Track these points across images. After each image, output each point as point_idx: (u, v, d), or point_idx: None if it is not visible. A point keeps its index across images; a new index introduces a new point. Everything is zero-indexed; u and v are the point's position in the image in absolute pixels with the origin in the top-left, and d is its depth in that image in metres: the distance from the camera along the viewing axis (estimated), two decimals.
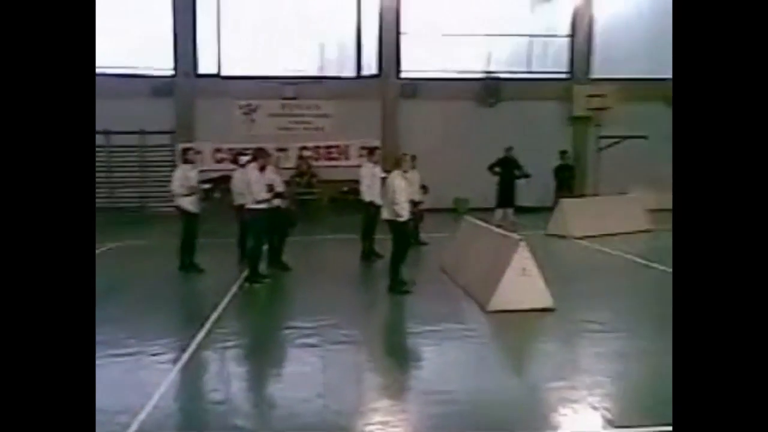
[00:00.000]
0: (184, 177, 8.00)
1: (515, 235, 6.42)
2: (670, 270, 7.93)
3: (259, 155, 7.43)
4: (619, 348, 5.22)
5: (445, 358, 5.14)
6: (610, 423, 3.72)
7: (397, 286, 6.96)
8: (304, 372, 4.73)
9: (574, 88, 16.15)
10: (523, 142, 13.45)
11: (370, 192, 8.66)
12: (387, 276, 7.10)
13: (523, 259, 6.03)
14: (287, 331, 5.75)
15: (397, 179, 6.88)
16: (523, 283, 6.02)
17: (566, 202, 11.62)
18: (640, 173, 14.70)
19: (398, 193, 6.76)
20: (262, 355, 5.23)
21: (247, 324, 6.33)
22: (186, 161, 8.42)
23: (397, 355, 5.36)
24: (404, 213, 6.81)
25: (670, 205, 8.78)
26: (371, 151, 9.48)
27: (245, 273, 7.49)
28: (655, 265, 8.42)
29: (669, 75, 15.46)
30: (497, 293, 6.01)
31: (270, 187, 7.22)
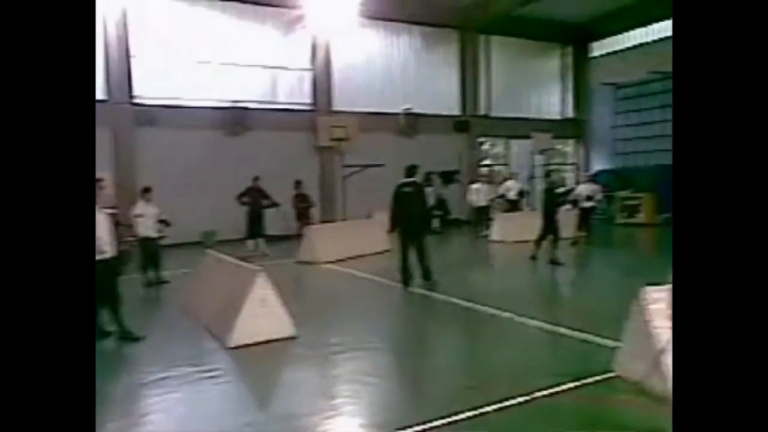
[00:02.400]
0: None
1: (254, 266, 6.30)
2: (400, 284, 8.79)
3: None
4: (359, 367, 5.43)
5: (186, 405, 4.70)
6: None
7: (127, 333, 6.26)
8: None
9: (317, 119, 16.94)
10: (272, 172, 13.59)
11: (144, 226, 9.12)
12: (114, 325, 6.35)
13: (261, 289, 5.93)
14: None
15: (96, 214, 6.31)
16: (263, 314, 5.91)
17: (313, 229, 12.00)
18: (381, 198, 16.04)
19: (100, 229, 6.19)
20: None
21: None
22: None
23: (127, 411, 4.73)
24: (108, 248, 6.26)
25: None
26: (146, 189, 9.48)
27: None
28: (393, 282, 9.13)
29: (397, 110, 17.43)
30: (237, 327, 5.78)
31: None
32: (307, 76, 17.51)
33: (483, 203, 14.99)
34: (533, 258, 10.76)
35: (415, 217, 8.78)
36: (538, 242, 10.87)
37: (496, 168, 21.46)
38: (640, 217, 17.93)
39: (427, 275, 8.83)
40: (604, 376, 4.65)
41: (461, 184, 18.79)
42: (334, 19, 16.63)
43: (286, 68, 17.13)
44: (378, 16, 17.98)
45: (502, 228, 14.21)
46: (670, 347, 3.82)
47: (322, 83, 17.53)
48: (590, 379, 4.62)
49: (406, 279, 8.76)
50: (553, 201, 10.92)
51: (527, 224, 13.84)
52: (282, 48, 17.05)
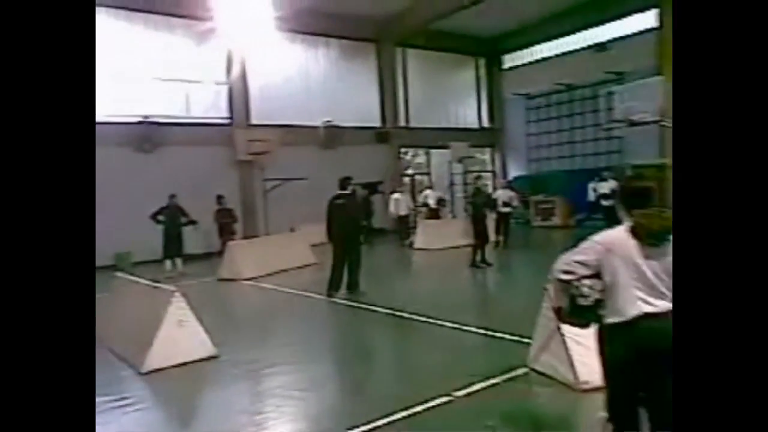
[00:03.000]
0: None
1: (169, 287, 6.05)
2: (325, 297, 8.74)
3: None
4: (283, 381, 5.33)
5: None
6: None
7: None
8: None
9: (235, 134, 16.58)
10: (188, 189, 13.16)
11: None
12: None
13: (178, 310, 5.70)
14: None
15: None
16: (181, 336, 5.68)
17: (233, 246, 11.70)
18: (304, 211, 15.90)
19: None
20: None
21: None
22: None
23: None
24: None
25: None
26: None
27: None
28: (317, 295, 9.04)
29: (318, 123, 17.37)
30: (152, 351, 5.51)
31: None
32: (223, 90, 17.13)
33: (404, 212, 15.23)
34: (482, 261, 10.97)
35: (349, 228, 8.90)
36: (480, 247, 11.11)
37: (418, 177, 21.86)
38: (555, 220, 18.84)
39: (352, 286, 8.85)
40: (521, 371, 4.83)
41: (384, 194, 18.99)
42: (250, 32, 16.41)
43: (200, 82, 16.66)
44: (295, 29, 17.90)
45: (424, 236, 14.47)
46: (559, 332, 4.26)
47: (238, 97, 17.20)
48: (508, 375, 4.79)
49: (332, 290, 8.73)
50: (481, 205, 11.27)
51: (449, 231, 14.22)
52: (195, 61, 16.58)
